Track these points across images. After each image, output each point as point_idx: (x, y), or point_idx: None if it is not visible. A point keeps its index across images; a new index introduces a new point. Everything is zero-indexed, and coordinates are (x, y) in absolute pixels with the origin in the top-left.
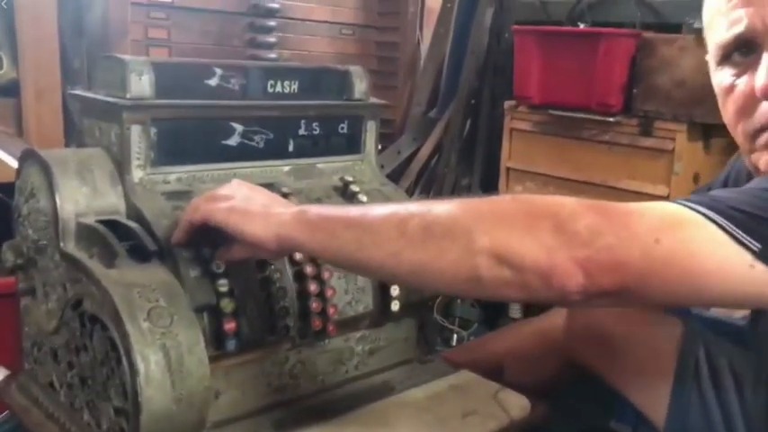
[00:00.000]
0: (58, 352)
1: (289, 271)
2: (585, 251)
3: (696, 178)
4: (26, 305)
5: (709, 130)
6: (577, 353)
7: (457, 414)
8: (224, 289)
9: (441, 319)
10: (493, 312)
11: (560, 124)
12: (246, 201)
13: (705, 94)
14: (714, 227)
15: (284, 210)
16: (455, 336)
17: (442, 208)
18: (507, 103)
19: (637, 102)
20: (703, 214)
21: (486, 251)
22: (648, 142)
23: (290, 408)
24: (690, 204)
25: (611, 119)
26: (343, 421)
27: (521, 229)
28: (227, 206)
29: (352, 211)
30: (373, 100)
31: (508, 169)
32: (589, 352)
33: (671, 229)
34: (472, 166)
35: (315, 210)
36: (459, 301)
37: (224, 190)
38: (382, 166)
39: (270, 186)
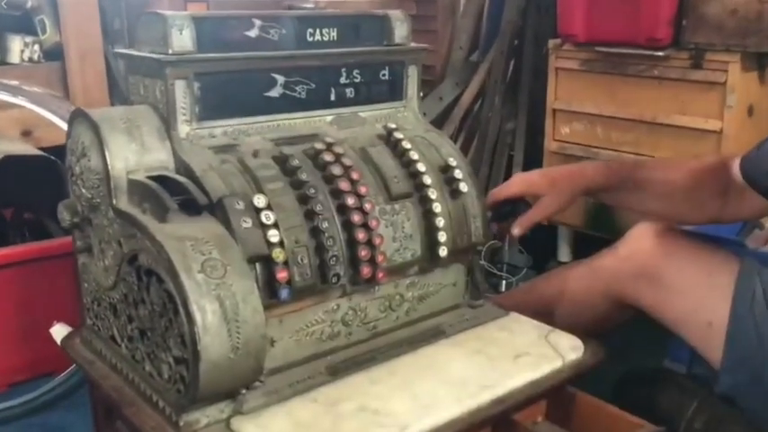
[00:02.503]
0: (117, 306)
1: (337, 220)
2: None
3: (750, 111)
4: (84, 263)
5: (764, 59)
6: (629, 293)
7: (509, 356)
8: (275, 239)
9: (489, 265)
10: (541, 257)
11: (607, 61)
12: None
13: (759, 23)
14: None
15: None
16: (504, 282)
17: None
18: (552, 42)
19: (686, 34)
20: None
21: None
22: (699, 75)
23: (343, 353)
24: None
25: (660, 53)
26: (394, 365)
27: None
28: None
29: None
30: (414, 44)
31: (554, 111)
32: (641, 291)
33: None
34: (517, 109)
35: None
36: (506, 247)
37: None
38: (424, 114)
39: (313, 137)
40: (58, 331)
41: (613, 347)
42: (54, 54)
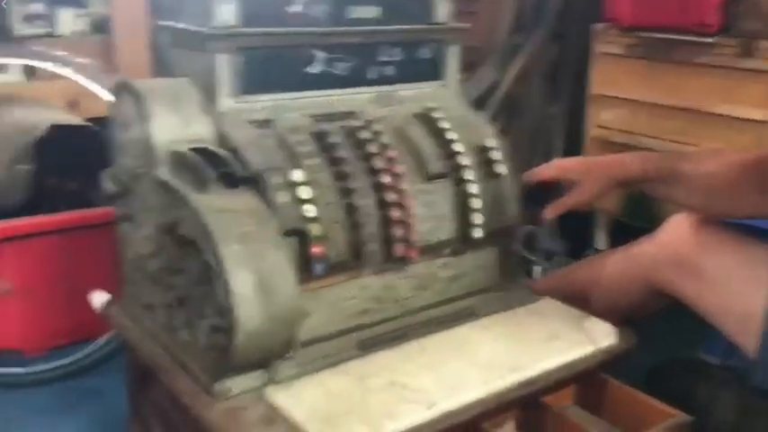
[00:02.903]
0: (155, 275)
1: (372, 198)
2: None
3: None
4: (124, 231)
5: None
6: (666, 281)
7: (539, 339)
8: (311, 214)
9: (525, 251)
10: (578, 245)
11: (653, 47)
12: None
13: None
14: None
15: None
16: (540, 268)
17: None
18: (596, 26)
19: (737, 20)
20: None
21: None
22: (749, 63)
23: (374, 330)
24: None
25: (708, 39)
26: (424, 343)
27: None
28: None
29: None
30: (455, 24)
31: (597, 96)
32: (678, 280)
33: None
34: (558, 93)
35: None
36: (543, 233)
37: None
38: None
39: (352, 114)
40: (98, 298)
41: (648, 337)
42: (101, 27)
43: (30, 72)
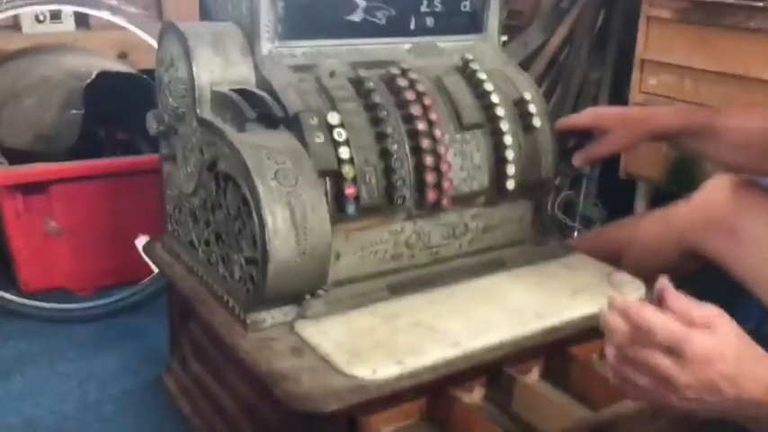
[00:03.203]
0: (196, 212)
1: (406, 144)
2: None
3: None
4: (168, 171)
5: None
6: (702, 243)
7: (567, 290)
8: (345, 156)
9: (562, 216)
10: (617, 212)
11: (702, 10)
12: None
13: None
14: None
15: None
16: (576, 233)
17: None
18: None
19: None
20: None
21: None
22: None
23: (404, 274)
24: None
25: (759, 3)
26: (453, 290)
27: None
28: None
29: None
30: None
31: (643, 61)
32: (714, 242)
33: None
34: (604, 58)
35: None
36: (582, 198)
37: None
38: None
39: (390, 64)
40: (142, 243)
41: None
42: None
43: (83, 22)
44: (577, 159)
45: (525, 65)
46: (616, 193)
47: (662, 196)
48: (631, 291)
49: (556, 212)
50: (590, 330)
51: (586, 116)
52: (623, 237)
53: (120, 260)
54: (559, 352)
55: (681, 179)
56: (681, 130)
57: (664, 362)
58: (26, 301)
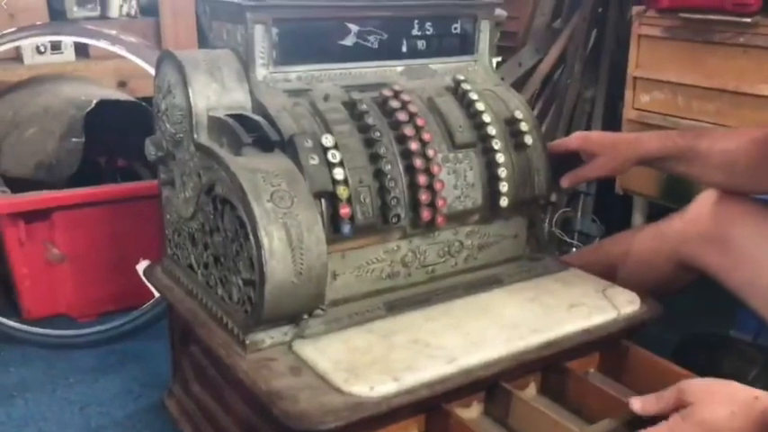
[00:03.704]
0: (195, 235)
1: (400, 164)
2: None
3: None
4: (167, 196)
5: None
6: (696, 256)
7: (563, 305)
8: (340, 177)
9: (560, 232)
10: (615, 227)
11: (691, 28)
12: None
13: None
14: None
15: None
16: (574, 250)
17: None
18: (635, 9)
19: None
20: None
21: None
22: None
23: (401, 293)
24: None
25: (747, 19)
26: (449, 307)
27: None
28: None
29: None
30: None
31: (635, 79)
32: (708, 255)
33: None
34: (597, 76)
35: None
36: (579, 215)
37: None
38: (503, 79)
39: (382, 86)
40: (144, 267)
41: (678, 315)
42: (149, 10)
43: (83, 52)
44: (565, 181)
45: (519, 85)
46: (613, 209)
47: (659, 211)
48: (626, 304)
49: (553, 229)
50: (586, 344)
51: (575, 139)
52: (618, 251)
53: (122, 285)
54: (555, 366)
55: (676, 194)
56: (663, 155)
57: None
58: (27, 328)
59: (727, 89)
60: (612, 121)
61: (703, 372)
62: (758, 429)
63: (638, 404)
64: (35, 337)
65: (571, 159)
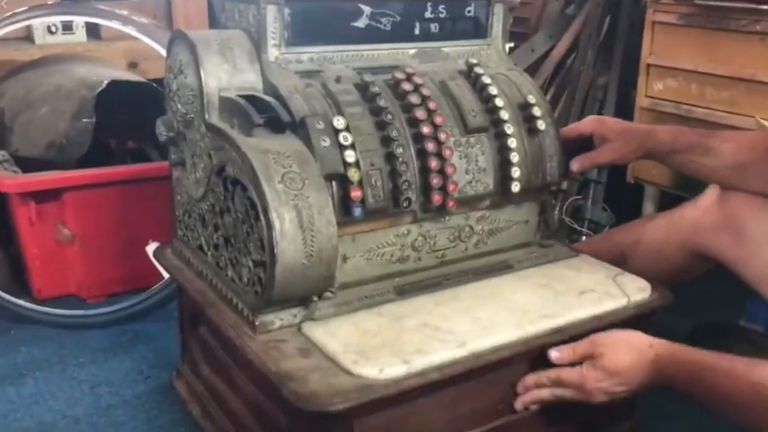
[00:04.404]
0: (205, 216)
1: (412, 147)
2: None
3: None
4: (177, 176)
5: None
6: (709, 244)
7: (573, 291)
8: (351, 159)
9: (570, 221)
10: (626, 216)
11: (706, 15)
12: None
13: None
14: None
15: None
16: (583, 238)
17: None
18: None
19: None
20: None
21: None
22: None
23: (411, 277)
24: None
25: (764, 6)
26: (459, 291)
27: None
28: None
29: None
30: None
31: (648, 66)
32: (722, 243)
33: None
34: (610, 63)
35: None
36: (589, 203)
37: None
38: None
39: (395, 68)
40: (153, 249)
41: (689, 302)
42: None
43: (94, 33)
44: (575, 164)
45: (532, 71)
46: (624, 198)
47: (670, 200)
48: (636, 291)
49: (564, 217)
50: (596, 330)
51: (589, 123)
52: (629, 240)
53: (132, 267)
54: None
55: (688, 183)
56: (674, 148)
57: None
58: (38, 308)
59: (743, 77)
60: (625, 109)
61: None
62: (650, 372)
63: (554, 353)
64: (45, 317)
65: (583, 145)
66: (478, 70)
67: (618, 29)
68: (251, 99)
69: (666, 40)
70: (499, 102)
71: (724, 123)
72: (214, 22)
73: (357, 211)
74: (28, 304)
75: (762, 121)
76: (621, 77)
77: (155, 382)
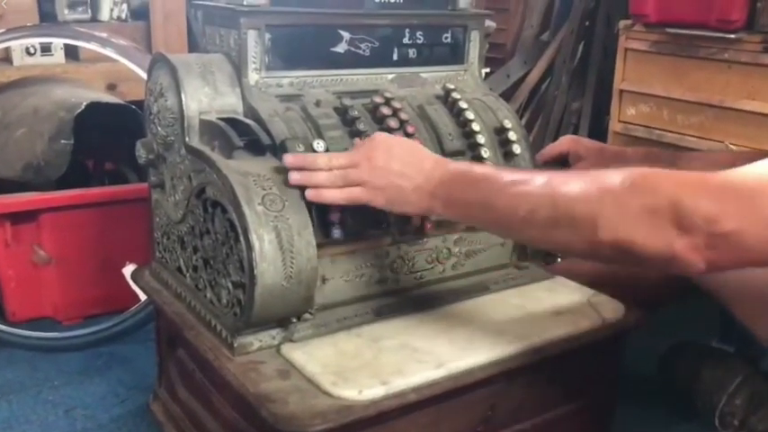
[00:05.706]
0: (184, 238)
1: None
2: (706, 241)
3: None
4: (157, 198)
5: None
6: None
7: (548, 312)
8: None
9: None
10: None
11: (677, 43)
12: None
13: None
14: None
15: (426, 183)
16: (559, 260)
17: (567, 197)
18: (622, 23)
19: (761, 16)
20: None
21: (608, 245)
22: None
23: (390, 298)
24: None
25: (731, 35)
26: (438, 312)
27: (642, 225)
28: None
29: (485, 190)
30: (477, 10)
31: (621, 91)
32: None
33: None
34: (584, 88)
35: (456, 187)
36: None
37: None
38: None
39: (374, 93)
40: (130, 271)
41: (665, 324)
42: (140, 13)
43: (73, 55)
44: None
45: (507, 96)
46: None
47: None
48: (612, 313)
49: None
50: (572, 351)
51: (565, 142)
52: None
53: (109, 289)
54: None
55: None
56: (643, 166)
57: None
58: (12, 330)
59: (712, 103)
60: (598, 133)
61: (687, 381)
62: (431, 160)
63: (290, 158)
64: (20, 340)
65: (559, 164)
66: (455, 95)
67: (591, 55)
68: (231, 122)
69: (638, 67)
70: (476, 126)
71: (694, 148)
72: (193, 46)
73: (336, 233)
74: (2, 326)
75: (731, 146)
76: (595, 102)
77: (131, 405)
